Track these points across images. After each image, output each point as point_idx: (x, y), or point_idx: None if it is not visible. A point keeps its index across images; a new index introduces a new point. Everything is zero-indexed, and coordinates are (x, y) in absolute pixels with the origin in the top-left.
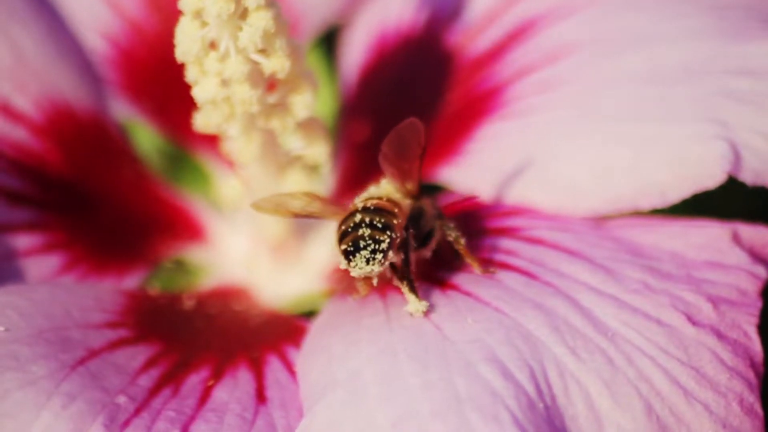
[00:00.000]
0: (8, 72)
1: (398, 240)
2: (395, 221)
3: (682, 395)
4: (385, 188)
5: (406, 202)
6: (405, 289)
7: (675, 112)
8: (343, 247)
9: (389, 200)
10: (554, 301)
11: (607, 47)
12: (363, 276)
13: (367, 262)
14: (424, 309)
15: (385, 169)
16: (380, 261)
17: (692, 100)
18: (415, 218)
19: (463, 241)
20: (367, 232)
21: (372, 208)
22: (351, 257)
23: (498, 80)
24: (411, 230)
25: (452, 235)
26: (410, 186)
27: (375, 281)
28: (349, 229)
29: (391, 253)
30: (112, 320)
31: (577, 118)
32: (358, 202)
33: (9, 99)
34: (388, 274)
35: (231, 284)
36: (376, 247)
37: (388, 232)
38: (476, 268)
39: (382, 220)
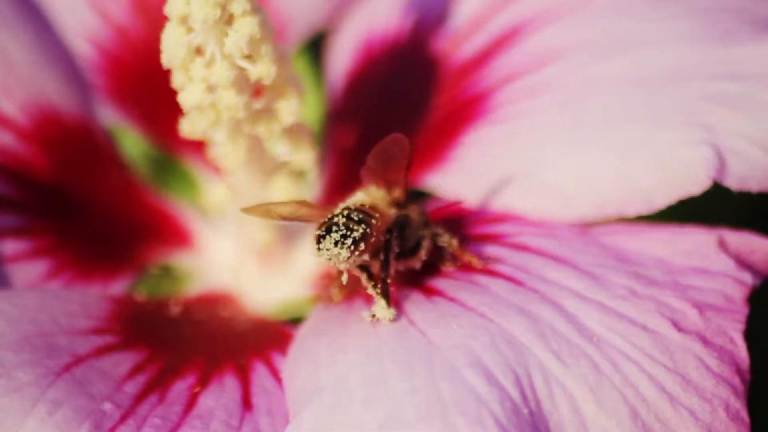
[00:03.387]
0: None
1: (373, 239)
2: (373, 221)
3: (667, 401)
4: (372, 194)
5: (391, 211)
6: (378, 291)
7: (662, 117)
8: (316, 233)
9: (372, 207)
10: (540, 306)
11: (594, 52)
12: (330, 261)
13: (335, 244)
14: (392, 317)
15: (369, 182)
16: (349, 247)
17: (679, 105)
18: (400, 226)
19: (455, 242)
20: (342, 220)
21: (353, 207)
22: (321, 240)
23: (484, 86)
24: (394, 233)
25: (444, 240)
26: (397, 194)
27: (344, 278)
28: (326, 221)
29: (362, 245)
30: (99, 326)
31: (564, 123)
32: (342, 204)
33: None
34: (364, 281)
35: (217, 290)
36: (347, 233)
37: (363, 225)
38: (475, 264)
39: (360, 216)
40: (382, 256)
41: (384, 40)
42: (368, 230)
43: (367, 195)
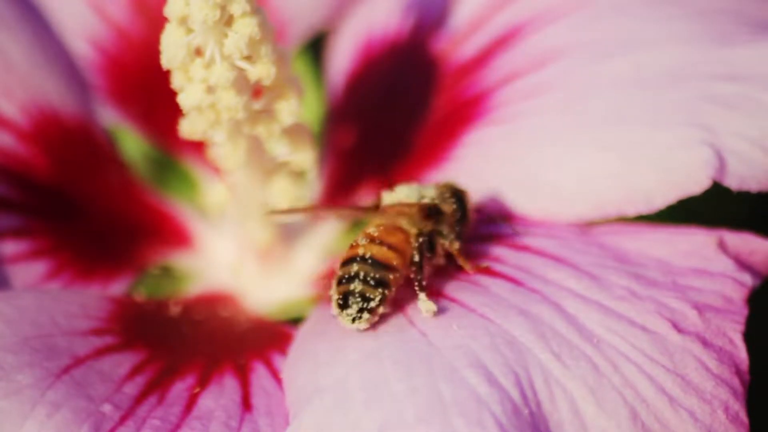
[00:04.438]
0: None
1: (393, 292)
2: (392, 276)
3: (667, 402)
4: (401, 194)
5: (416, 229)
6: (416, 289)
7: (661, 118)
8: (335, 297)
9: (392, 245)
10: (540, 307)
11: (593, 52)
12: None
13: (353, 320)
14: (435, 309)
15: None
16: (367, 320)
17: (678, 105)
18: (430, 235)
19: (456, 244)
20: (359, 288)
21: (371, 260)
22: (340, 310)
23: (484, 86)
24: (424, 243)
25: (446, 240)
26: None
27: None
28: (344, 279)
29: (381, 308)
30: (98, 327)
31: (564, 123)
32: (362, 240)
33: None
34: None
35: (217, 290)
36: (364, 305)
37: (380, 289)
38: (468, 269)
39: (377, 276)
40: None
41: (384, 40)
42: (386, 292)
43: (397, 205)
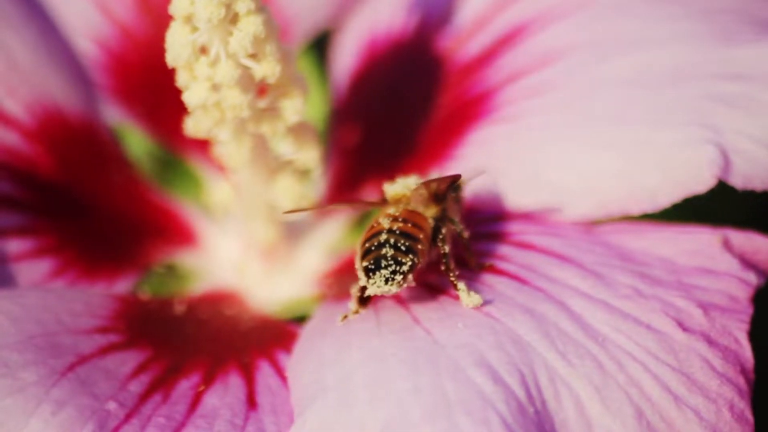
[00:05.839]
0: None
1: (420, 264)
2: (420, 246)
3: (672, 401)
4: (404, 184)
5: (430, 212)
6: (452, 281)
7: (664, 117)
8: (365, 264)
9: (415, 223)
10: (545, 306)
11: (596, 51)
12: (380, 294)
13: (386, 281)
14: (480, 301)
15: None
16: (399, 282)
17: (682, 104)
18: (443, 221)
19: (466, 234)
20: (390, 252)
21: (398, 231)
22: (371, 274)
23: (488, 85)
24: (441, 231)
25: (457, 228)
26: (439, 187)
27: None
28: (373, 248)
29: (411, 277)
30: (103, 325)
31: (567, 122)
32: (383, 220)
33: (0, 103)
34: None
35: (222, 289)
36: (397, 268)
37: (411, 256)
38: (471, 264)
39: (407, 244)
40: (444, 260)
41: (388, 38)
42: (416, 260)
43: (409, 191)
